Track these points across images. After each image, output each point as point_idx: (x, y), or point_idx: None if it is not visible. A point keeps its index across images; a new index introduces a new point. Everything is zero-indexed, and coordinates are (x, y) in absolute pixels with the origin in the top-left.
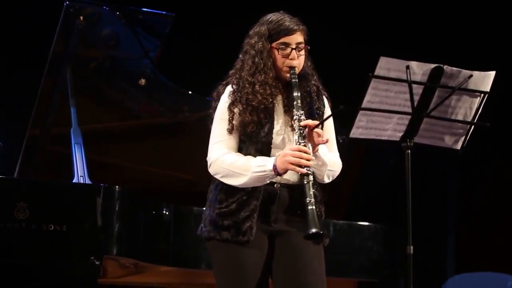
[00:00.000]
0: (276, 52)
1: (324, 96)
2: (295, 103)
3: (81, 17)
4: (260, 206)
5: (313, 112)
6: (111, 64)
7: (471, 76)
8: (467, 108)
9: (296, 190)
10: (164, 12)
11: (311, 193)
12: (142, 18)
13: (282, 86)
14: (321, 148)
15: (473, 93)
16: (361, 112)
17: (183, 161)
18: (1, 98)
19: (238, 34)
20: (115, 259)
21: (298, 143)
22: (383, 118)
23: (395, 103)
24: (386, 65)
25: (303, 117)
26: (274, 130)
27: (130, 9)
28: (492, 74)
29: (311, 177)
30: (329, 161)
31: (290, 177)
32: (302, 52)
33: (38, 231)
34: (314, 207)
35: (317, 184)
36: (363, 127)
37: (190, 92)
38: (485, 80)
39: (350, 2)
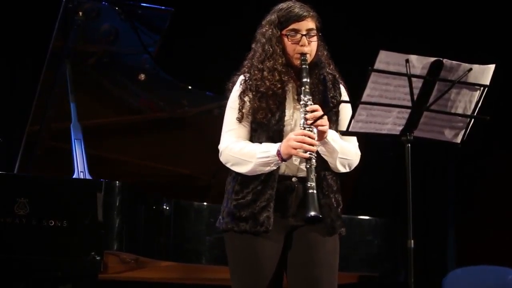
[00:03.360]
0: (286, 39)
1: (341, 85)
2: (302, 88)
3: (80, 13)
4: (276, 198)
5: (328, 100)
6: (110, 59)
7: (470, 69)
8: (467, 102)
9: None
10: (163, 7)
11: (313, 177)
12: (141, 13)
13: (294, 73)
14: (332, 135)
15: (472, 86)
16: (360, 106)
17: (183, 156)
18: (0, 94)
19: (237, 28)
20: (115, 254)
21: (303, 128)
22: (383, 112)
23: (395, 97)
24: (385, 59)
25: (310, 102)
26: (285, 118)
27: (129, 4)
28: (491, 67)
29: (313, 161)
30: (341, 148)
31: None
32: (314, 39)
33: (39, 227)
34: (314, 191)
35: (333, 173)
36: (363, 121)
37: (189, 87)
38: (484, 73)
39: None
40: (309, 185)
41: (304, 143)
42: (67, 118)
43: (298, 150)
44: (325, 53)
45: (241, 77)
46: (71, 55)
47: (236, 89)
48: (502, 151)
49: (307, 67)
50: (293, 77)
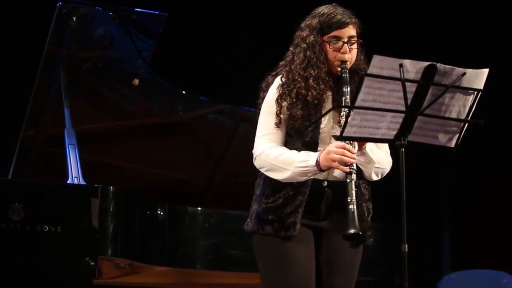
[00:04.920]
0: (327, 45)
1: None
2: (343, 98)
3: (74, 18)
4: (307, 202)
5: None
6: (105, 64)
7: (464, 74)
8: (461, 106)
9: (345, 188)
10: (157, 12)
11: (353, 192)
12: (136, 18)
13: (332, 81)
14: (369, 145)
15: (466, 91)
16: (354, 110)
17: (177, 161)
18: None
19: (233, 32)
20: (110, 260)
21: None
22: (376, 116)
23: (389, 102)
24: (379, 64)
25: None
26: (322, 126)
27: (124, 9)
28: (485, 71)
29: (354, 176)
30: (377, 158)
31: (338, 174)
32: (354, 46)
33: (33, 232)
34: (355, 207)
35: (366, 181)
36: (357, 126)
37: (184, 92)
38: (478, 77)
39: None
40: (349, 200)
41: (344, 156)
42: (62, 123)
43: (338, 163)
44: (362, 58)
45: (278, 80)
46: (66, 60)
47: (273, 93)
48: (496, 155)
49: (348, 75)
50: (331, 85)
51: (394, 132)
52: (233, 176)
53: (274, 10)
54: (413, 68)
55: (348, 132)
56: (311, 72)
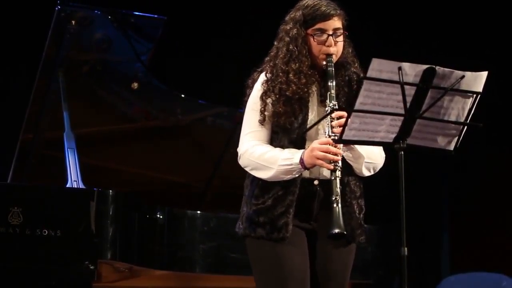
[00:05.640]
0: (311, 38)
1: None
2: (328, 93)
3: (73, 21)
4: (297, 202)
5: (353, 102)
6: (103, 67)
7: (463, 76)
8: (460, 109)
9: None
10: (155, 16)
11: (338, 189)
12: (134, 22)
13: (318, 75)
14: None
15: (465, 93)
16: (354, 114)
17: (176, 164)
18: None
19: (231, 36)
20: (109, 263)
21: (328, 136)
22: (376, 119)
23: (388, 105)
24: (378, 67)
25: (336, 107)
26: (308, 121)
27: (122, 12)
28: (484, 74)
29: (338, 173)
30: (366, 152)
31: (328, 173)
32: (340, 39)
33: (32, 236)
34: (339, 205)
35: (356, 178)
36: (356, 129)
37: (182, 95)
38: (477, 80)
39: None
40: (333, 198)
41: (328, 153)
42: (61, 127)
43: (322, 160)
44: (350, 51)
45: (262, 77)
46: (64, 63)
47: (258, 89)
48: (496, 156)
49: (333, 69)
50: (317, 79)
51: (393, 135)
52: (233, 178)
53: (273, 13)
54: (412, 71)
55: (347, 135)
56: (292, 66)
